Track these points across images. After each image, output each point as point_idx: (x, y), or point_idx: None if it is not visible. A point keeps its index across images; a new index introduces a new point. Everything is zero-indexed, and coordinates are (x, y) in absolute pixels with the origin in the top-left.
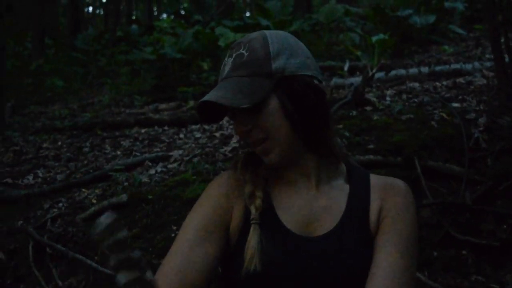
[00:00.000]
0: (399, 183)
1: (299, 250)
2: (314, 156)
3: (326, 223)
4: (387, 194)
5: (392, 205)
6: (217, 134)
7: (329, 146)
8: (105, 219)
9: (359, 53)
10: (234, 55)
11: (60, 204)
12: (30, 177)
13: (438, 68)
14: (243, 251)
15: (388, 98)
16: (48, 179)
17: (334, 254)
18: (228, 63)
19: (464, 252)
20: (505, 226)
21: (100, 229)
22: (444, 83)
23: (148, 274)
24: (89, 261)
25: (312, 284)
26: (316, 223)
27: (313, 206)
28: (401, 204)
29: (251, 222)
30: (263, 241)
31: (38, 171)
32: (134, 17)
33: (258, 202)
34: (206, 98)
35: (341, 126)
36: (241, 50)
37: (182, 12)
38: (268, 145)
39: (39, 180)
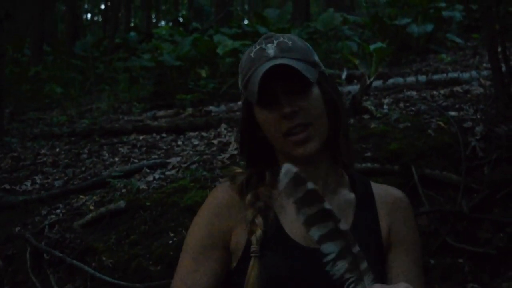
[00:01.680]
0: (400, 195)
1: (307, 261)
2: (327, 161)
3: None
4: (393, 207)
5: (401, 220)
6: (215, 142)
7: (343, 153)
8: (285, 174)
9: (357, 61)
10: (275, 42)
11: (58, 211)
12: (28, 183)
13: (435, 76)
14: (243, 281)
15: (385, 107)
16: (46, 185)
17: None
18: (270, 48)
19: (461, 260)
20: (502, 234)
21: (285, 183)
22: (442, 91)
23: (342, 225)
24: (86, 268)
25: None
26: None
27: None
28: (408, 217)
29: (251, 255)
30: (269, 255)
31: (36, 178)
32: (132, 25)
33: (258, 232)
34: (270, 64)
35: None
36: (281, 39)
37: (181, 20)
38: (311, 132)
39: (37, 186)
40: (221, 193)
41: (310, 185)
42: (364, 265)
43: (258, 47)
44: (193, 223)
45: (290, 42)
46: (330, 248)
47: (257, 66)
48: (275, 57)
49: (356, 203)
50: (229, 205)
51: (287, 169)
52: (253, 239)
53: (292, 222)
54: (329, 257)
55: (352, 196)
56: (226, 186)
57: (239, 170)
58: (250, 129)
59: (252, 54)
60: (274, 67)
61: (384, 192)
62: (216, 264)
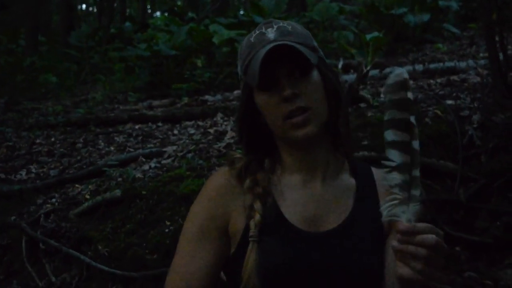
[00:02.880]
0: None
1: (306, 246)
2: (327, 147)
3: (334, 218)
4: None
5: None
6: (211, 131)
7: (343, 138)
8: (397, 75)
9: (353, 51)
10: (275, 26)
11: (54, 200)
12: (23, 173)
13: (432, 65)
14: (242, 265)
15: (382, 95)
16: (42, 174)
17: (342, 249)
18: (270, 32)
19: (458, 248)
20: (498, 223)
21: (393, 81)
22: (438, 80)
23: (415, 144)
24: (82, 257)
25: (322, 279)
26: (322, 219)
27: (319, 202)
28: None
29: (250, 239)
30: (268, 240)
31: (31, 167)
32: (127, 15)
33: (257, 217)
34: (271, 46)
35: None
36: (280, 24)
37: (176, 10)
38: (310, 115)
39: (32, 175)
40: (220, 178)
41: (410, 95)
42: (416, 192)
43: (257, 31)
44: (191, 208)
45: (290, 27)
46: (394, 156)
47: (257, 49)
48: (275, 40)
49: (356, 188)
50: (227, 190)
51: (401, 72)
52: (252, 224)
53: (291, 208)
54: (389, 163)
55: (352, 181)
56: (225, 171)
57: (238, 155)
58: (249, 115)
59: (252, 39)
60: (276, 48)
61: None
62: (215, 249)
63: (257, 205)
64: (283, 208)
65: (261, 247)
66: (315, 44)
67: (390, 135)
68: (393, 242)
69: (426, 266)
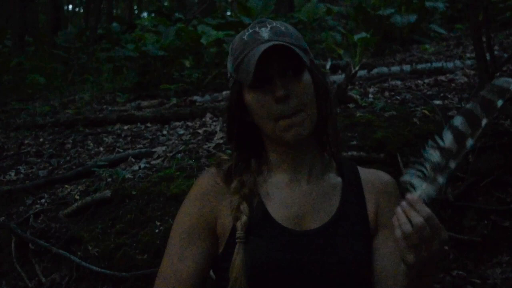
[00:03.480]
0: (387, 177)
1: (292, 244)
2: (315, 147)
3: (320, 217)
4: (381, 191)
5: (388, 203)
6: (200, 131)
7: (331, 140)
8: (504, 82)
9: (341, 51)
10: (268, 26)
11: (43, 200)
12: (12, 173)
13: (420, 66)
14: (229, 266)
15: (370, 96)
16: (31, 175)
17: (329, 247)
18: (264, 31)
19: (446, 247)
20: (486, 222)
21: (495, 83)
22: (426, 81)
23: (469, 141)
24: (72, 257)
25: (308, 277)
26: (309, 217)
27: (305, 200)
28: (395, 199)
29: (236, 240)
30: (255, 240)
31: (20, 167)
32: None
33: (244, 218)
34: (267, 45)
35: None
36: (274, 24)
37: (163, 10)
38: (303, 116)
39: (21, 176)
40: (207, 180)
41: (499, 103)
42: (441, 180)
43: (251, 30)
44: (179, 211)
45: (283, 27)
46: (446, 139)
47: (251, 48)
48: (269, 40)
49: (342, 186)
50: (214, 192)
51: (510, 82)
52: (238, 225)
53: (277, 207)
54: (438, 140)
55: (338, 179)
56: (212, 172)
57: (225, 157)
58: (238, 113)
59: (245, 37)
60: (272, 47)
61: (371, 176)
62: (203, 250)
63: (244, 206)
64: (269, 208)
65: (248, 246)
66: (306, 46)
67: (458, 121)
68: (397, 207)
69: (421, 241)
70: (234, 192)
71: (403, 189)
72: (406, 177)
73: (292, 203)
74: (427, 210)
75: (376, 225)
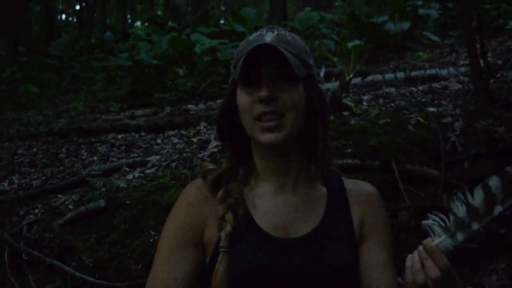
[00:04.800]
0: (371, 189)
1: (277, 252)
2: (300, 158)
3: (305, 225)
4: (365, 201)
5: (373, 213)
6: (195, 140)
7: (320, 157)
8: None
9: (335, 59)
10: (275, 32)
11: (36, 210)
12: (6, 184)
13: (413, 73)
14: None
15: (365, 103)
16: (24, 185)
17: (314, 254)
18: (269, 35)
19: None
20: (482, 229)
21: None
22: (420, 88)
23: (496, 210)
24: (66, 267)
25: (292, 285)
26: (294, 225)
27: (290, 209)
28: (380, 210)
29: (220, 250)
30: (241, 249)
31: (14, 177)
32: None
33: (228, 228)
34: (259, 43)
35: None
36: (282, 32)
37: (157, 19)
38: (283, 121)
39: (15, 186)
40: (193, 190)
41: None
42: (460, 237)
43: (258, 33)
44: (167, 221)
45: (290, 37)
46: (476, 197)
47: (251, 47)
48: (268, 43)
49: (327, 196)
50: (201, 202)
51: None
52: (222, 234)
53: (263, 216)
54: (469, 197)
55: (323, 190)
56: (198, 183)
57: (211, 166)
58: (230, 111)
59: (251, 38)
60: (266, 49)
61: (355, 187)
62: (191, 260)
63: (229, 216)
64: (255, 217)
65: (232, 256)
66: (311, 62)
67: (493, 182)
68: (414, 252)
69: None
70: (220, 201)
71: (424, 232)
72: (427, 222)
73: (278, 212)
74: (445, 262)
75: (360, 234)
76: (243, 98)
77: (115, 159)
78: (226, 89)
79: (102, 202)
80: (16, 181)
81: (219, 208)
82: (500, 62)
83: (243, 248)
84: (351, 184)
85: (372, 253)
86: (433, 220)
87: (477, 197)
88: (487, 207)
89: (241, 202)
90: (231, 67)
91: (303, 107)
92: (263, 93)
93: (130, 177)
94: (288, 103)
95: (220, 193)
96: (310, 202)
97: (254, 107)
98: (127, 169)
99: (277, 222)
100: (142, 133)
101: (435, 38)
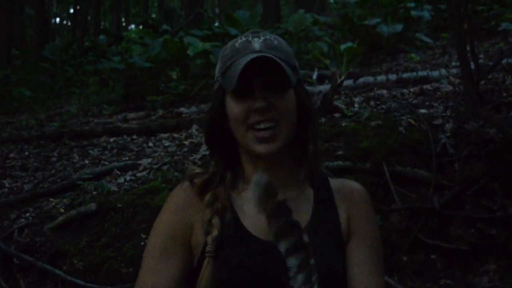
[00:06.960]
0: (358, 187)
1: (267, 255)
2: (289, 162)
3: None
4: (352, 201)
5: (359, 212)
6: (186, 143)
7: (310, 160)
8: (257, 185)
9: (327, 61)
10: (262, 37)
11: (28, 214)
12: None
13: (405, 75)
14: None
15: (356, 105)
16: (15, 189)
17: None
18: (256, 42)
19: (433, 256)
20: (473, 230)
21: (257, 195)
22: (412, 90)
23: (305, 236)
24: (57, 271)
25: (280, 286)
26: None
27: None
28: (366, 208)
29: (206, 254)
30: (229, 253)
31: (5, 181)
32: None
33: (214, 233)
34: (256, 56)
35: None
36: (268, 37)
37: (151, 22)
38: (278, 130)
39: (6, 190)
40: (180, 194)
41: (279, 196)
42: (314, 277)
43: (244, 39)
44: (154, 225)
45: (276, 42)
46: (292, 262)
47: (240, 55)
48: (260, 51)
49: (314, 197)
50: (188, 205)
51: (258, 179)
52: (209, 239)
53: (251, 219)
54: (292, 271)
55: (310, 191)
56: (185, 186)
57: (199, 170)
58: (218, 117)
59: (237, 45)
60: (260, 59)
61: (342, 186)
62: (179, 264)
63: (215, 221)
64: (243, 220)
65: (219, 260)
66: (296, 64)
67: (282, 246)
68: None
69: None
70: (207, 205)
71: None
72: None
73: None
74: None
75: (348, 233)
76: (235, 108)
77: (106, 163)
78: (213, 94)
79: (93, 206)
80: (7, 185)
81: (206, 212)
82: (491, 63)
83: (231, 251)
84: (337, 183)
85: (354, 251)
86: (296, 282)
87: (273, 222)
88: (277, 213)
89: (229, 206)
90: (218, 74)
91: (295, 112)
92: (259, 104)
93: (121, 180)
94: (283, 110)
95: (207, 197)
96: (297, 204)
97: (249, 117)
98: (119, 172)
99: (264, 225)
100: (134, 136)
101: (428, 40)
